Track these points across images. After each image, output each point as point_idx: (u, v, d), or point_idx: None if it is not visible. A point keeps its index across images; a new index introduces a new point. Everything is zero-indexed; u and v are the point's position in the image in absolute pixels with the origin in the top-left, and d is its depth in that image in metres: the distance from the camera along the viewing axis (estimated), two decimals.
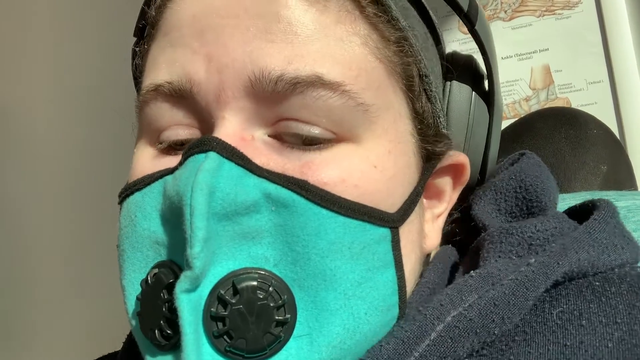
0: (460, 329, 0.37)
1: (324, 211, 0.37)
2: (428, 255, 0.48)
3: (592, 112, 0.91)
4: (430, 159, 0.44)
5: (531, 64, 1.20)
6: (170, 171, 0.40)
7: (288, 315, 0.36)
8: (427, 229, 0.46)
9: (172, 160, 0.41)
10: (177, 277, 0.36)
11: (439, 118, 0.45)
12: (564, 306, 0.39)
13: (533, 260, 0.40)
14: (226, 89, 0.38)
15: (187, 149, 0.38)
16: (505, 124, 1.04)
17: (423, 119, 0.43)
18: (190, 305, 0.35)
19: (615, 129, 1.11)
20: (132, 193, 0.42)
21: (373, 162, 0.39)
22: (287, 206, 0.37)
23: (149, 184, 0.41)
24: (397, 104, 0.42)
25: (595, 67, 1.14)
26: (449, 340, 0.37)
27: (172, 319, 0.36)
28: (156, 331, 0.37)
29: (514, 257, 0.43)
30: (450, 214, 0.50)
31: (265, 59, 0.38)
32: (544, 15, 1.19)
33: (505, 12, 1.21)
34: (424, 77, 0.43)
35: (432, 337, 0.37)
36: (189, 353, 0.34)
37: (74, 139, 1.34)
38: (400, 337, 0.38)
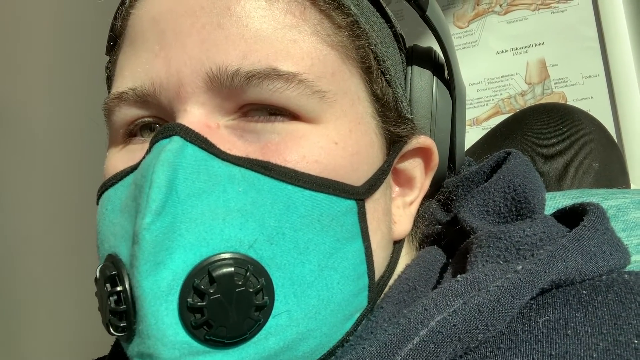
0: (444, 335, 0.37)
1: (290, 187, 0.38)
2: (400, 242, 0.48)
3: (588, 107, 0.91)
4: (395, 141, 0.46)
5: (527, 58, 1.19)
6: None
7: (266, 298, 0.36)
8: (398, 215, 0.47)
9: (142, 149, 0.41)
10: (117, 269, 0.37)
11: (401, 103, 0.47)
12: (550, 315, 0.39)
13: (520, 267, 0.40)
14: (185, 85, 0.40)
15: (152, 138, 0.39)
16: (500, 118, 1.04)
17: (383, 102, 0.45)
18: (152, 295, 0.35)
19: (611, 124, 1.10)
20: (106, 190, 0.42)
21: (333, 139, 0.41)
22: (253, 186, 0.38)
23: (121, 179, 0.41)
24: (354, 88, 0.43)
25: (591, 61, 1.13)
26: (432, 345, 0.37)
27: (119, 310, 0.37)
28: (109, 325, 0.38)
29: (502, 262, 0.43)
30: (423, 202, 0.50)
31: (221, 56, 0.39)
32: (539, 8, 1.18)
33: (501, 5, 1.20)
34: (381, 62, 0.45)
35: (415, 342, 0.37)
36: (161, 347, 0.35)
37: (71, 138, 1.33)
38: (383, 340, 0.38)
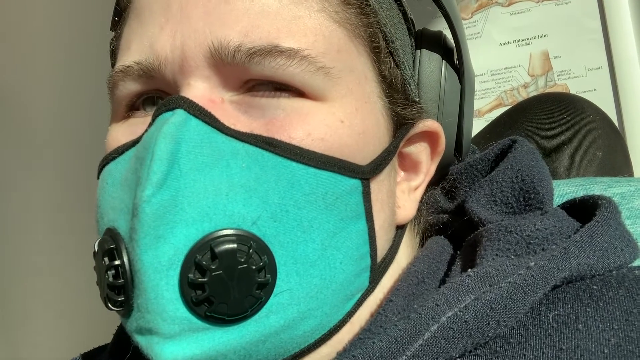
0: (455, 330, 0.37)
1: (294, 164, 0.38)
2: (402, 228, 0.48)
3: (591, 99, 0.91)
4: (402, 124, 0.45)
5: (530, 50, 1.19)
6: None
7: (268, 276, 0.36)
8: (403, 199, 0.47)
9: (144, 122, 0.41)
10: (115, 242, 0.37)
11: (409, 85, 0.46)
12: (561, 309, 0.39)
13: (533, 264, 0.39)
14: (188, 58, 0.39)
15: (155, 110, 0.39)
16: (503, 110, 1.04)
17: (391, 83, 0.44)
18: (152, 269, 0.35)
19: (614, 116, 1.10)
20: (107, 163, 0.42)
21: (339, 117, 0.40)
22: (257, 162, 0.37)
23: (122, 152, 0.41)
24: (361, 66, 0.43)
25: (595, 53, 1.13)
26: (443, 341, 0.37)
27: (117, 284, 0.37)
28: (107, 300, 0.38)
29: (512, 256, 0.42)
30: (427, 189, 0.50)
31: (224, 30, 0.39)
32: (543, 0, 1.17)
33: None
34: (389, 42, 0.44)
35: (425, 337, 0.37)
36: (161, 322, 0.35)
37: (71, 134, 1.33)
38: (393, 336, 0.37)
